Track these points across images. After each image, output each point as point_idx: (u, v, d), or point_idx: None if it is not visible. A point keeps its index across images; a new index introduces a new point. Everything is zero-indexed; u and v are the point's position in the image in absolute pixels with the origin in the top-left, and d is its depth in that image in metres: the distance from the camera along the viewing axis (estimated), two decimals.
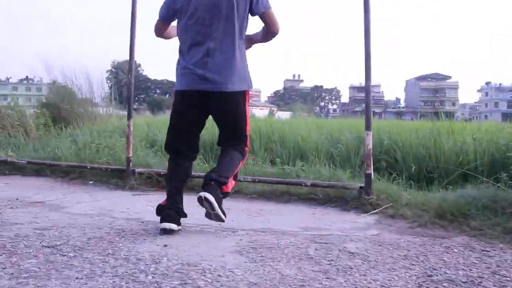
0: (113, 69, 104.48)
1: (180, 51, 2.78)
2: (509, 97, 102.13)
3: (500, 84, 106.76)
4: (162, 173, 4.31)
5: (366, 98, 3.54)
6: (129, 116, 4.29)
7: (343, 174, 4.22)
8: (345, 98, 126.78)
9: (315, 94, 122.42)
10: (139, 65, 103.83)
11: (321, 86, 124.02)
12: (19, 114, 8.85)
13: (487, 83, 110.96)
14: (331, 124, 9.00)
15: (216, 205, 2.43)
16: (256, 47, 2.97)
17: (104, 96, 12.04)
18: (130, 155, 4.26)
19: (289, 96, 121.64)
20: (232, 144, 2.77)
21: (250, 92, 2.83)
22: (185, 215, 2.69)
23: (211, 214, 2.48)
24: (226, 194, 2.67)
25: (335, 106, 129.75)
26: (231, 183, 2.74)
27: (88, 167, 4.76)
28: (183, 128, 2.79)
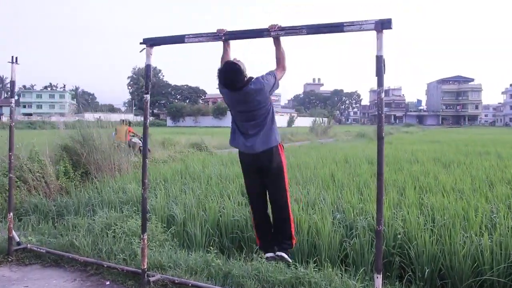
0: (134, 75, 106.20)
1: None
2: None
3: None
4: (176, 281, 4.38)
5: (376, 243, 3.50)
6: (144, 229, 4.36)
7: (354, 283, 4.23)
8: (365, 101, 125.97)
9: (336, 98, 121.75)
10: (160, 71, 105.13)
11: (342, 90, 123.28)
12: (39, 164, 9.05)
13: None
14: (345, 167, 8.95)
15: (289, 259, 4.03)
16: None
17: (126, 102, 12.47)
18: (145, 267, 4.34)
19: (309, 100, 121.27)
20: None
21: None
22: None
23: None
24: (293, 245, 4.13)
25: (355, 110, 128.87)
26: (294, 239, 4.10)
27: (105, 265, 4.86)
28: None
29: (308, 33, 3.53)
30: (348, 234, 5.45)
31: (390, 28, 3.23)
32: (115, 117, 17.32)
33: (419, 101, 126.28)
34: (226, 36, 3.82)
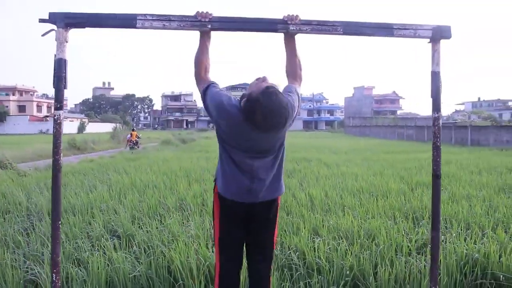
0: None
1: None
2: (309, 107, 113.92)
3: (300, 94, 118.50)
4: None
5: None
6: None
7: None
8: (157, 106, 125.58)
9: (127, 103, 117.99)
10: None
11: (133, 95, 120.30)
12: None
13: None
14: None
15: None
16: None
17: None
18: None
19: (99, 104, 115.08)
20: None
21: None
22: None
23: None
24: None
25: (146, 115, 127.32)
26: None
27: None
28: None
29: (345, 33, 2.44)
30: (283, 276, 4.46)
31: (449, 37, 2.48)
32: None
33: None
34: (214, 25, 2.38)
